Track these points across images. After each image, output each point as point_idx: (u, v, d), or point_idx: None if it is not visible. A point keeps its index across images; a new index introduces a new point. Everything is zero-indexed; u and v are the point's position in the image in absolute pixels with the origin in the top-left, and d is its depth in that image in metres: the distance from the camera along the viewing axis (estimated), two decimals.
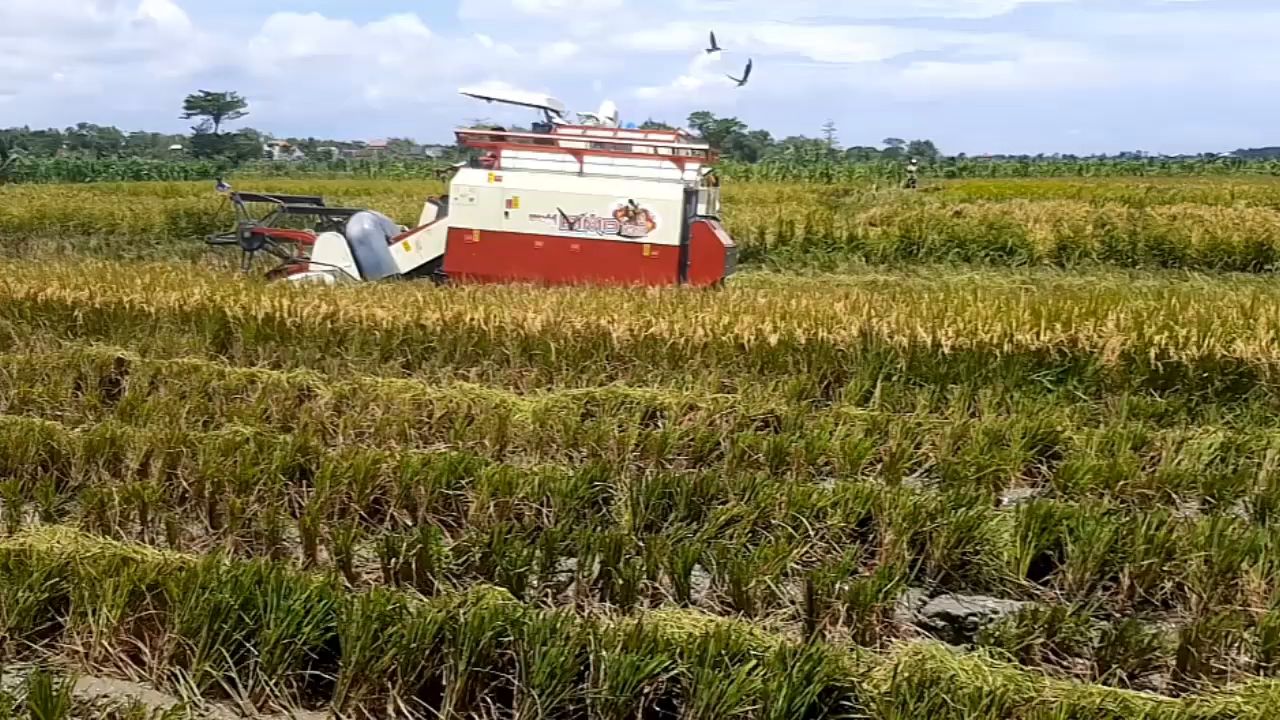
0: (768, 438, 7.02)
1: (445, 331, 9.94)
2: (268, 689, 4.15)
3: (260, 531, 5.68)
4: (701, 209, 12.94)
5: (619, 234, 12.35)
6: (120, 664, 4.43)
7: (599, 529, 5.54)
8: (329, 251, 13.64)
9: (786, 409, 7.71)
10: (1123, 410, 7.83)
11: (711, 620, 4.31)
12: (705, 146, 14.70)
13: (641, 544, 5.32)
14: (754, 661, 3.90)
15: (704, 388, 8.24)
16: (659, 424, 7.65)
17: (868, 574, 5.10)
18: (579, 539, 5.28)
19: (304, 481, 6.37)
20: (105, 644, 4.44)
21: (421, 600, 4.41)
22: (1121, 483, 6.28)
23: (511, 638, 4.06)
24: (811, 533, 5.53)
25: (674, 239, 12.31)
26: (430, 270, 13.52)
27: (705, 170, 13.76)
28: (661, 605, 4.81)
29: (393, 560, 5.08)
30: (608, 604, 4.93)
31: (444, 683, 4.05)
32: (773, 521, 5.64)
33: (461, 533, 5.86)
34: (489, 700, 4.04)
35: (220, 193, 37.07)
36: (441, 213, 13.51)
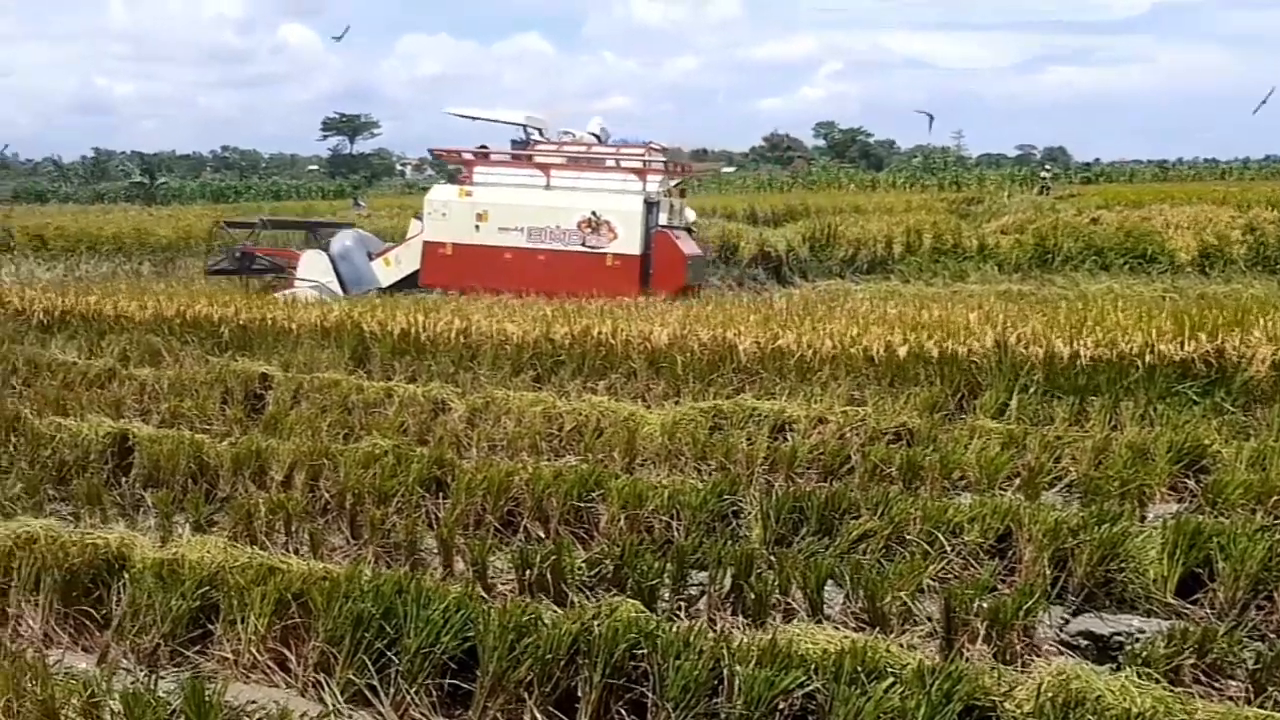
0: (900, 451, 6.93)
1: (574, 345, 10.06)
2: (408, 697, 4.24)
3: (399, 542, 5.82)
4: (663, 219, 13.08)
5: (583, 245, 12.74)
6: (267, 671, 4.59)
7: (729, 543, 5.53)
8: (313, 268, 14.17)
9: (919, 422, 7.60)
10: (1274, 423, 7.51)
11: (846, 636, 4.27)
12: (663, 159, 14.70)
13: (773, 558, 5.29)
14: (891, 679, 3.84)
15: (833, 400, 8.17)
16: (787, 437, 7.60)
17: (1007, 591, 4.99)
18: (710, 552, 5.28)
19: (440, 493, 6.51)
20: (253, 651, 4.60)
21: (556, 611, 4.46)
22: (1275, 498, 6.02)
23: (645, 650, 4.08)
24: (948, 548, 5.43)
25: (635, 249, 12.69)
26: (413, 283, 13.83)
27: (675, 182, 14.02)
28: (794, 620, 4.78)
29: (527, 571, 5.15)
30: (740, 618, 4.92)
31: (579, 694, 4.09)
32: (907, 537, 5.55)
33: (593, 544, 5.91)
34: (623, 712, 4.06)
35: (356, 212, 38.20)
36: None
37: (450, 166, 15.80)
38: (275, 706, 4.08)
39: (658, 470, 7.16)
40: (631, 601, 4.49)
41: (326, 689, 4.36)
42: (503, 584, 5.32)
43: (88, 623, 4.98)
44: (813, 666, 3.98)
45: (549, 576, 5.10)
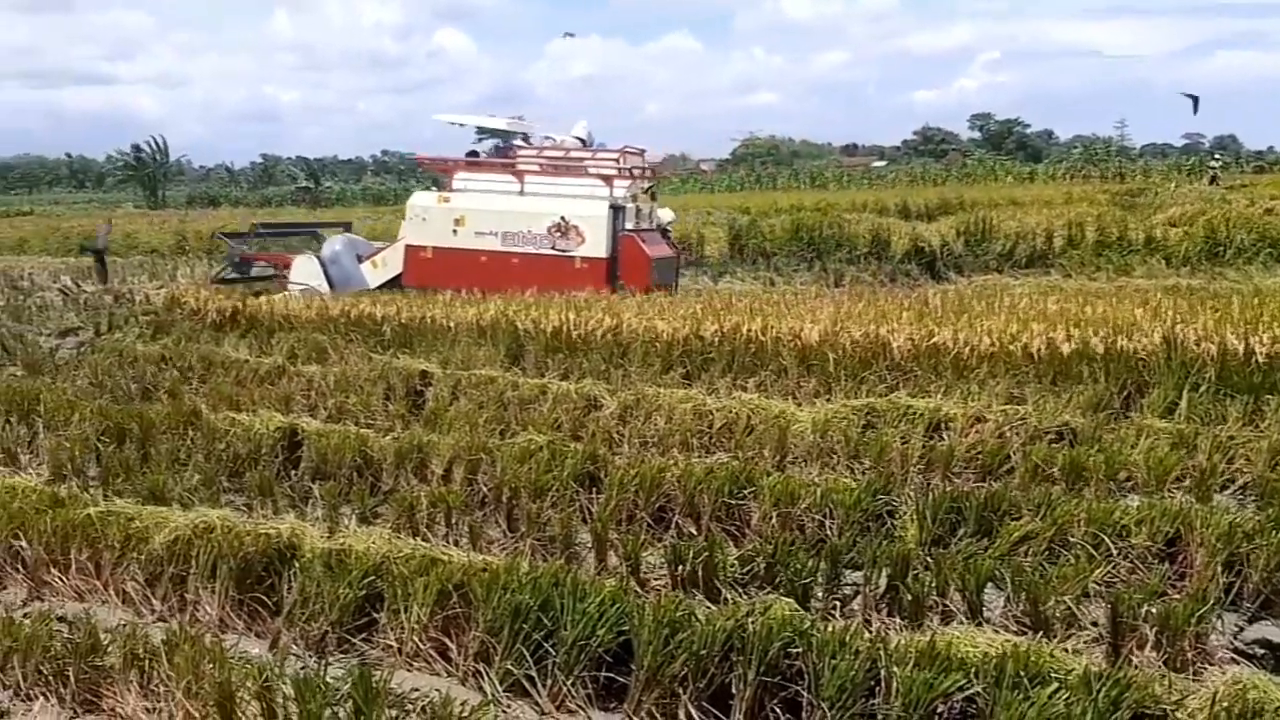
0: (1062, 451, 6.72)
1: (723, 343, 10.03)
2: (565, 688, 4.31)
3: (554, 536, 5.91)
4: (630, 224, 13.40)
5: (553, 248, 13.19)
6: (429, 659, 4.71)
7: (885, 542, 5.45)
8: (304, 272, 14.67)
9: (1082, 421, 7.35)
10: None
11: (1007, 640, 4.17)
12: (633, 164, 14.80)
13: (930, 559, 5.20)
14: (1056, 684, 3.74)
15: (991, 399, 7.96)
16: (943, 436, 7.45)
17: (1177, 597, 4.80)
18: (864, 552, 5.22)
19: (593, 488, 6.59)
20: (416, 640, 4.74)
21: (709, 608, 4.47)
22: None
23: (800, 649, 4.06)
24: (1114, 552, 5.25)
25: (602, 252, 13.09)
26: (398, 284, 14.28)
27: (647, 187, 14.29)
28: (952, 623, 4.69)
29: (679, 567, 5.17)
30: (896, 619, 4.85)
31: (733, 691, 4.09)
32: (1070, 539, 5.38)
33: (744, 542, 5.90)
34: (778, 711, 4.05)
35: None
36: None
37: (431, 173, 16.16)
38: (437, 695, 4.19)
39: (809, 468, 7.10)
40: (785, 600, 4.47)
41: (486, 678, 4.46)
42: (655, 579, 5.36)
43: (260, 609, 5.20)
44: (973, 670, 3.90)
45: (701, 573, 5.11)
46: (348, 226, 17.48)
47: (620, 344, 10.42)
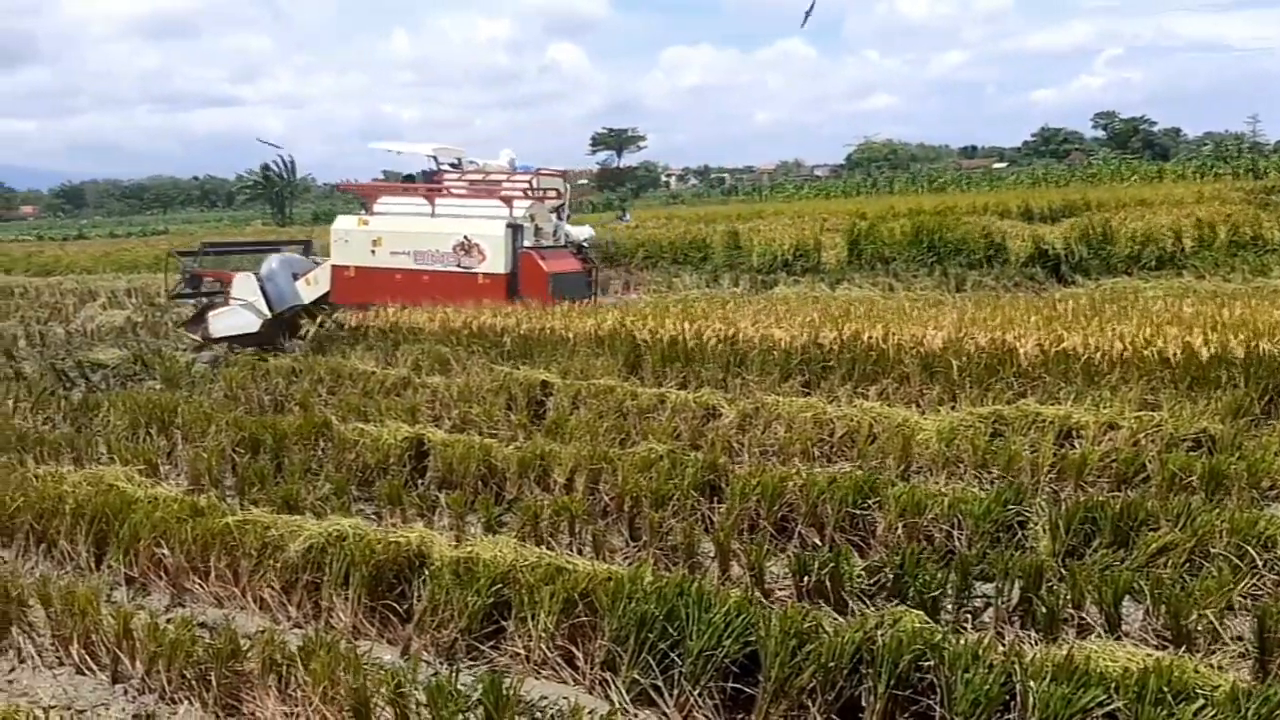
0: (1201, 459, 6.48)
1: (843, 350, 9.92)
2: (691, 699, 4.30)
3: (676, 545, 5.92)
4: (529, 241, 14.35)
5: (458, 265, 14.10)
6: (556, 667, 4.75)
7: (1016, 554, 5.32)
8: (243, 288, 15.56)
9: (1221, 428, 7.08)
10: None
11: (1149, 654, 4.03)
12: (552, 187, 15.74)
13: (1064, 571, 5.06)
14: (1200, 701, 3.60)
15: (1124, 405, 7.72)
16: (1075, 444, 7.25)
17: None
18: (995, 563, 5.11)
19: (714, 497, 6.58)
20: (543, 648, 4.78)
21: (837, 619, 4.42)
22: None
23: (931, 662, 3.98)
24: (1259, 564, 5.04)
25: (501, 268, 13.99)
26: (328, 300, 15.35)
27: (555, 207, 15.19)
28: (1089, 637, 4.55)
29: (805, 578, 5.13)
30: (1029, 632, 4.74)
31: (863, 704, 4.03)
32: (1211, 550, 5.19)
33: (870, 552, 5.83)
34: None
35: (622, 223, 39.13)
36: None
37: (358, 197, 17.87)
38: (565, 703, 4.23)
39: (935, 478, 6.99)
40: (915, 612, 4.39)
41: (612, 687, 4.48)
42: (780, 589, 5.32)
43: (391, 616, 5.31)
44: (1113, 685, 3.77)
45: (827, 583, 5.06)
46: (306, 245, 18.36)
47: (737, 353, 10.38)
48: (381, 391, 10.23)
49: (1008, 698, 3.85)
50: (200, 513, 6.25)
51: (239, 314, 15.63)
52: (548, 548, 5.77)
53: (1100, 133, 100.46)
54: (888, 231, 25.55)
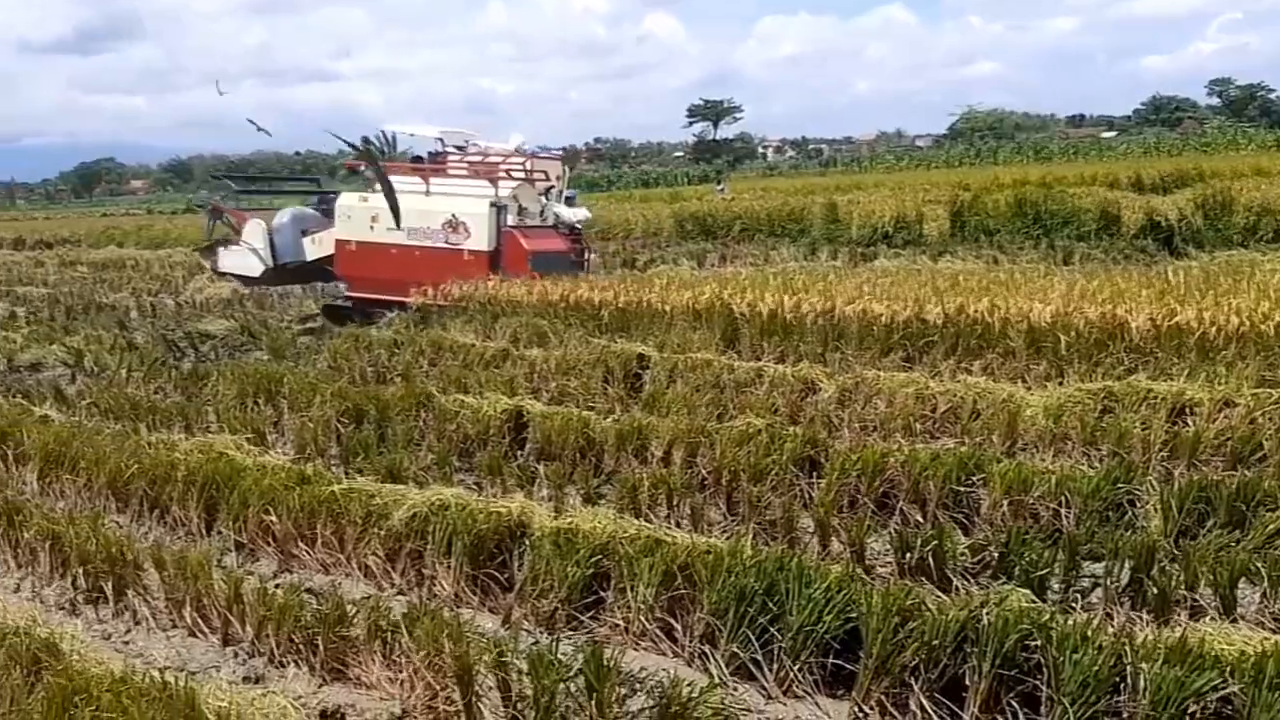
0: None
1: (947, 325, 9.74)
2: (791, 673, 4.27)
3: (775, 519, 5.88)
4: (511, 220, 14.84)
5: (446, 242, 14.68)
6: (655, 639, 4.76)
7: (1127, 533, 5.18)
8: (253, 234, 16.40)
9: None
10: None
11: (1266, 638, 3.89)
12: (520, 165, 16.16)
13: (1177, 551, 4.92)
14: None
15: (1240, 382, 7.43)
16: (1188, 422, 7.02)
17: None
18: (1105, 543, 4.98)
19: (813, 472, 6.52)
20: (642, 619, 4.79)
21: (940, 597, 4.35)
22: None
23: (1038, 642, 3.90)
24: None
25: (484, 245, 14.53)
26: (330, 263, 16.17)
27: (545, 189, 15.64)
28: (1203, 619, 4.41)
29: (907, 555, 5.05)
30: (1140, 614, 4.61)
31: (967, 683, 3.96)
32: None
33: (973, 530, 5.73)
34: (1015, 705, 3.90)
35: (720, 195, 38.94)
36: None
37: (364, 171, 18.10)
38: (665, 675, 4.23)
39: (1041, 455, 6.83)
40: (1021, 591, 4.30)
41: (711, 660, 4.47)
42: (881, 566, 5.26)
43: (492, 585, 5.37)
44: (1228, 669, 3.65)
45: (930, 561, 4.98)
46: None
47: (836, 327, 10.26)
48: (481, 363, 10.34)
49: (1118, 680, 3.75)
50: (307, 481, 6.38)
51: (245, 256, 16.55)
52: (646, 520, 5.78)
53: (1215, 100, 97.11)
54: (992, 203, 25.05)
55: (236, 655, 5.00)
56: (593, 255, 17.87)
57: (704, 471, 6.77)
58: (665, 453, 7.07)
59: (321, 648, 4.67)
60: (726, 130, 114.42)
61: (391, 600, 5.20)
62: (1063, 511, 5.62)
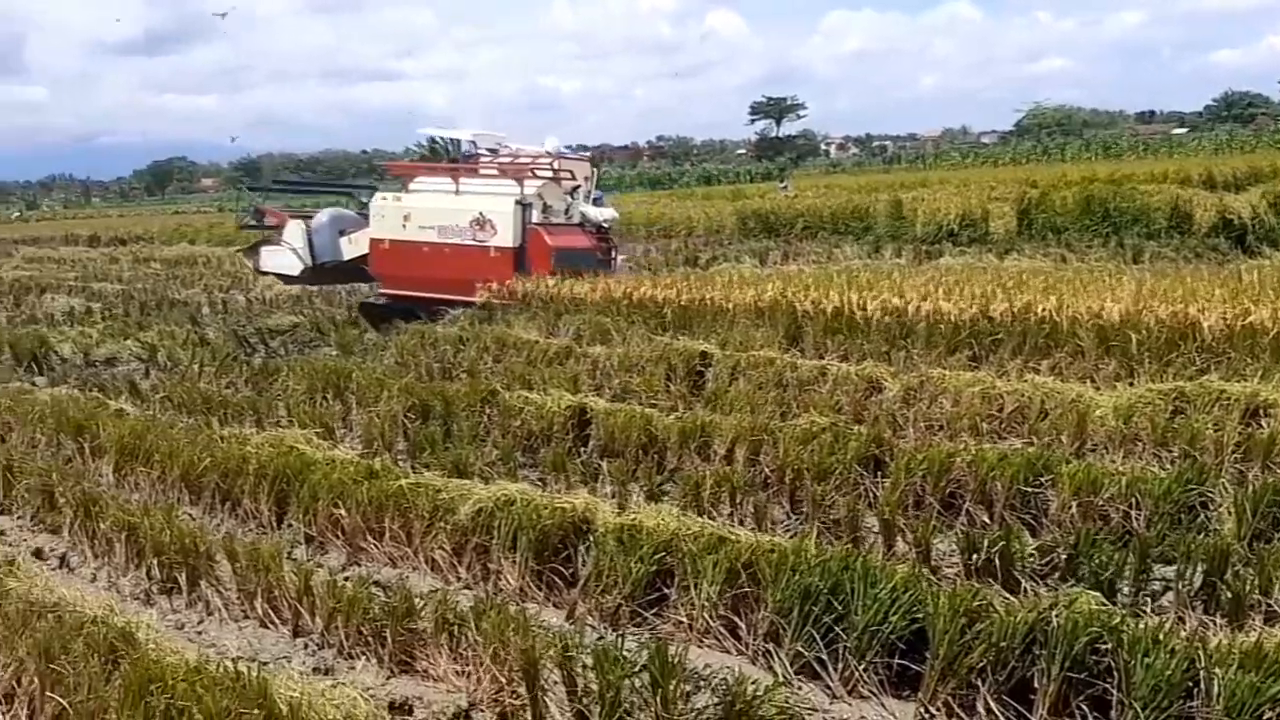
0: None
1: (1014, 323, 9.63)
2: (856, 673, 4.26)
3: (839, 519, 5.86)
4: (536, 218, 15.18)
5: (474, 239, 15.05)
6: (719, 637, 4.77)
7: (1199, 536, 5.10)
8: (292, 235, 16.96)
9: None
10: None
11: None
12: (549, 166, 16.29)
13: (1251, 555, 4.83)
14: None
15: None
16: (1262, 423, 6.88)
17: None
18: (1177, 546, 4.90)
19: (878, 472, 6.48)
20: (705, 617, 4.80)
21: (1008, 599, 4.31)
22: None
23: (1109, 645, 3.85)
24: None
25: (510, 242, 14.86)
26: (364, 262, 16.63)
27: (571, 188, 15.92)
28: (1278, 624, 4.33)
29: (974, 556, 5.01)
30: (1213, 618, 4.53)
31: (1035, 685, 3.93)
32: None
33: (1041, 532, 5.66)
34: (1084, 708, 3.86)
35: (782, 193, 38.78)
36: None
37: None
38: (729, 672, 4.23)
39: (1111, 456, 6.73)
40: (1091, 593, 4.25)
41: (775, 659, 4.47)
42: (947, 567, 5.22)
43: (557, 581, 5.41)
44: None
45: (997, 562, 4.94)
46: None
47: (902, 325, 10.19)
48: (544, 360, 10.40)
49: (1190, 685, 3.70)
50: (375, 475, 6.48)
51: (285, 255, 17.13)
52: (709, 518, 5.78)
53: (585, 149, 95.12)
54: (1059, 200, 24.69)
55: (306, 647, 5.08)
56: (619, 256, 18.15)
57: (767, 470, 6.76)
58: (728, 451, 7.07)
59: (390, 640, 4.74)
60: (789, 127, 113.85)
61: (458, 594, 5.26)
62: (1133, 514, 5.54)
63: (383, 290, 16.46)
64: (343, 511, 6.28)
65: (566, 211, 15.94)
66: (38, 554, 6.64)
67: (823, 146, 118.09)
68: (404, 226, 15.77)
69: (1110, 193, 24.63)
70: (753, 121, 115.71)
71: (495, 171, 16.18)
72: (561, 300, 13.17)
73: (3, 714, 4.42)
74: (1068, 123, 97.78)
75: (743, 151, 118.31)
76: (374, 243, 16.17)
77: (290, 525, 6.61)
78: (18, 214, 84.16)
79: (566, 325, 12.03)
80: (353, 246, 16.76)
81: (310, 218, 17.89)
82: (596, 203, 16.88)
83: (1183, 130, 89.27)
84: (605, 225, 16.68)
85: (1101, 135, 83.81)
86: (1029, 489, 5.88)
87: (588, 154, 18.92)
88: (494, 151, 17.34)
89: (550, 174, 15.76)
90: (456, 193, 15.67)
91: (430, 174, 17.07)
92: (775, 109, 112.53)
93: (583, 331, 11.65)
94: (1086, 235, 22.71)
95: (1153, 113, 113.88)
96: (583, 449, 7.74)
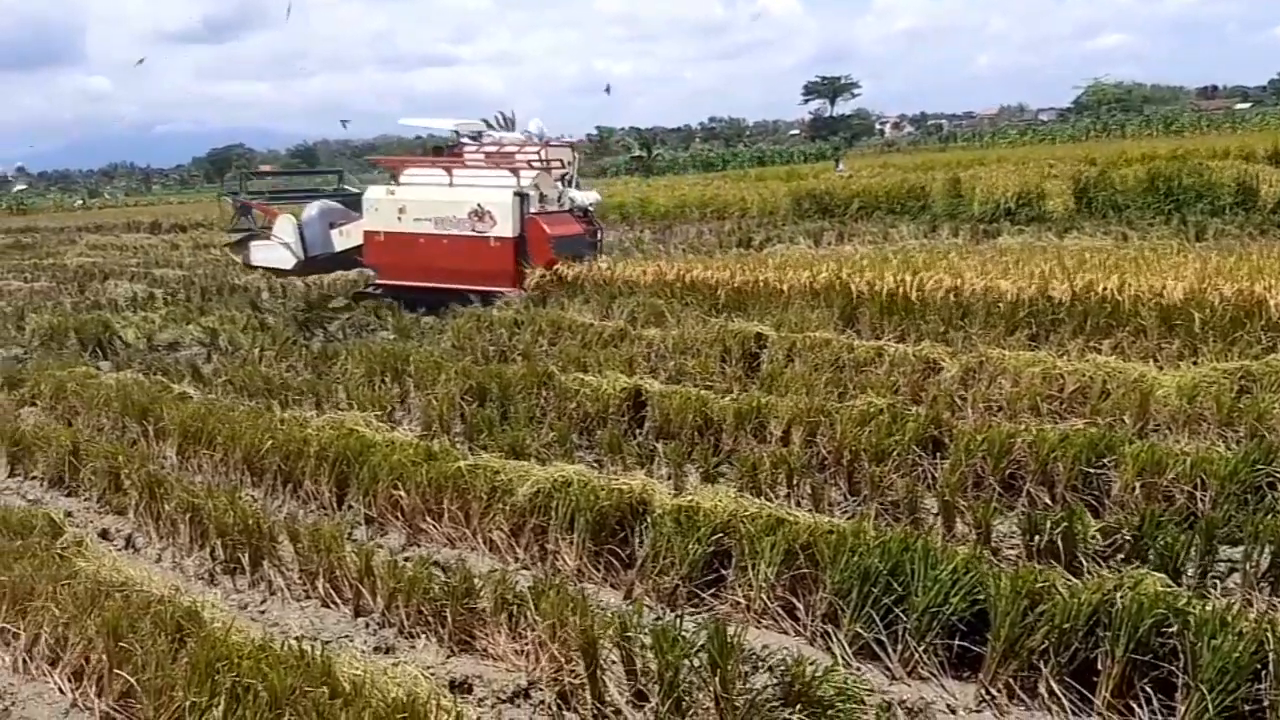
0: None
1: (1074, 302, 9.50)
2: (916, 655, 4.24)
3: (897, 500, 5.82)
4: (534, 208, 15.43)
5: (473, 230, 15.35)
6: (776, 618, 4.76)
7: (1267, 517, 5.00)
8: (283, 229, 17.15)
9: None
10: None
11: None
12: (558, 158, 16.73)
13: None
14: None
15: None
16: None
17: None
18: (1244, 527, 4.81)
19: (936, 453, 6.43)
20: (763, 598, 4.80)
21: (1070, 580, 4.26)
22: None
23: (1174, 627, 3.80)
24: None
25: (509, 232, 15.13)
26: (358, 253, 16.83)
27: (560, 175, 16.34)
28: None
29: (1036, 537, 4.96)
30: None
31: (1098, 667, 3.88)
32: None
33: (1104, 513, 5.59)
34: (1148, 690, 3.81)
35: (838, 173, 38.47)
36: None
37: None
38: (787, 653, 4.23)
39: (1175, 436, 6.63)
40: (1156, 575, 4.19)
41: (834, 640, 4.46)
42: (1008, 548, 5.17)
43: (614, 561, 5.43)
44: None
45: (1060, 543, 4.88)
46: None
47: (960, 305, 10.09)
48: (599, 343, 10.43)
49: (1258, 667, 3.64)
50: (433, 457, 6.53)
51: (277, 250, 17.30)
52: (765, 499, 5.77)
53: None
54: (1120, 178, 24.25)
55: (367, 626, 5.14)
56: (604, 235, 18.62)
57: (824, 451, 6.73)
58: (784, 432, 7.04)
59: (450, 619, 4.78)
60: (844, 107, 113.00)
61: (516, 574, 5.30)
62: (1198, 494, 5.45)
63: (379, 281, 16.66)
64: (402, 493, 6.35)
65: (559, 199, 16.32)
66: (104, 535, 6.77)
67: (877, 126, 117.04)
68: (399, 219, 16.12)
69: (1173, 169, 24.15)
70: (806, 101, 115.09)
71: (487, 163, 16.51)
72: (615, 283, 13.19)
73: (72, 691, 4.52)
74: (1128, 99, 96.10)
75: (796, 132, 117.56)
76: (369, 235, 16.50)
77: (350, 506, 6.68)
78: (80, 202, 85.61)
79: (620, 308, 12.05)
80: (344, 239, 17.02)
81: (299, 209, 18.12)
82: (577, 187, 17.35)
83: (1246, 105, 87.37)
84: (590, 209, 17.05)
85: (1162, 111, 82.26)
86: (1091, 470, 5.80)
87: (569, 141, 19.21)
88: (476, 139, 17.66)
89: (543, 163, 16.15)
90: (451, 185, 15.99)
91: (419, 166, 17.34)
92: (829, 88, 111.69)
93: (637, 314, 11.66)
94: (1148, 213, 22.31)
95: (1215, 88, 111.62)
96: (638, 431, 7.75)
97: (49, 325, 14.99)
